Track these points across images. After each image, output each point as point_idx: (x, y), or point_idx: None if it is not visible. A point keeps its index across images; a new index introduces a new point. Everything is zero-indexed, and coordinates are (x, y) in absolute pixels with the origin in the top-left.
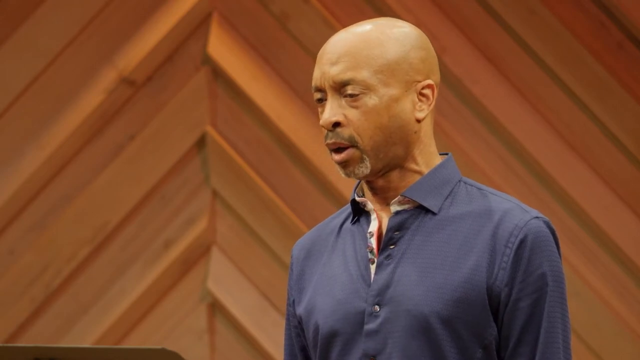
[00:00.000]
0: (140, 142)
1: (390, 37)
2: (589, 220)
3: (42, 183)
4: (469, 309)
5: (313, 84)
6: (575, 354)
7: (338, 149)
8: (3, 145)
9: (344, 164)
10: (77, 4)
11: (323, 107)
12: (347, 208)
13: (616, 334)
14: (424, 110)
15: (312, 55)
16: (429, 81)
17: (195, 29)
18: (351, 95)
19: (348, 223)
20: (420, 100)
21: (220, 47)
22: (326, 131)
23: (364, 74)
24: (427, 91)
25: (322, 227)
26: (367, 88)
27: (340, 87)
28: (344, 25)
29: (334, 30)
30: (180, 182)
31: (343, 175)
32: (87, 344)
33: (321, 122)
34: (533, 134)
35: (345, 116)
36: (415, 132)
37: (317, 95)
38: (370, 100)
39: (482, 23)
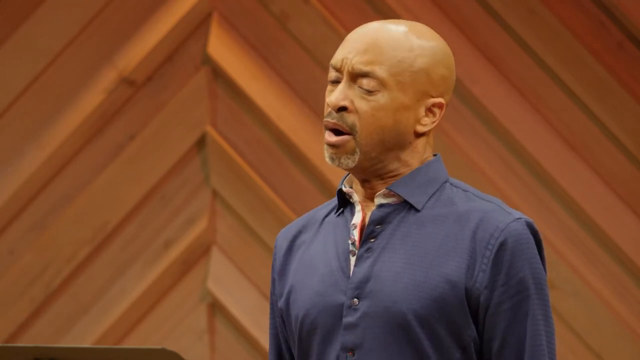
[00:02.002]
0: (140, 142)
1: (422, 46)
2: (589, 220)
3: (42, 183)
4: (446, 309)
5: (333, 62)
6: (575, 354)
7: (336, 131)
8: (3, 145)
9: (334, 147)
10: (77, 4)
11: (334, 87)
12: (334, 201)
13: (616, 334)
14: (426, 126)
15: (312, 55)
16: (441, 100)
17: (195, 29)
18: (366, 89)
19: (332, 215)
20: (426, 115)
21: (220, 47)
22: (329, 109)
23: (384, 72)
24: (436, 109)
25: (307, 217)
26: (383, 86)
27: (357, 76)
28: (344, 25)
29: (334, 30)
30: (180, 182)
31: (327, 158)
32: (87, 344)
33: (329, 100)
34: (533, 134)
35: (353, 103)
36: (410, 143)
37: (332, 76)
38: (382, 99)
39: (482, 23)
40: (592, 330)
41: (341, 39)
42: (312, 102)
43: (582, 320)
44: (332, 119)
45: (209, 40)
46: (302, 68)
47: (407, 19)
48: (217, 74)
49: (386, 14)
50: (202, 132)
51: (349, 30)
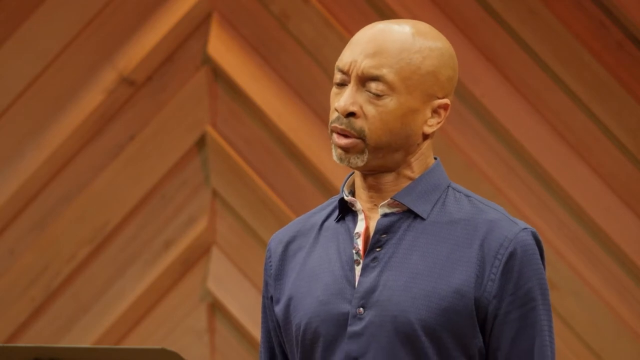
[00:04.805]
0: (140, 142)
1: (429, 47)
2: (589, 221)
3: (42, 183)
4: (455, 319)
5: (339, 64)
6: (575, 354)
7: (344, 134)
8: (3, 145)
9: (344, 150)
10: (77, 4)
11: (341, 90)
12: (329, 204)
13: (616, 334)
14: (433, 127)
15: (312, 55)
16: (447, 101)
17: (195, 29)
18: (374, 93)
19: (331, 221)
20: (432, 116)
21: (220, 47)
22: (337, 114)
23: (393, 76)
24: (441, 110)
25: (301, 221)
26: (392, 90)
27: (366, 80)
28: (344, 25)
29: (334, 30)
30: (180, 182)
31: (336, 158)
32: (87, 344)
33: (337, 104)
34: (533, 134)
35: (361, 108)
36: (418, 145)
37: (338, 78)
38: (391, 103)
39: (482, 23)
40: (592, 330)
41: (341, 39)
42: (312, 102)
43: (582, 320)
44: (340, 125)
45: (209, 40)
46: (302, 68)
47: (408, 19)
48: (217, 74)
49: (386, 14)
50: (202, 132)
51: (349, 30)
